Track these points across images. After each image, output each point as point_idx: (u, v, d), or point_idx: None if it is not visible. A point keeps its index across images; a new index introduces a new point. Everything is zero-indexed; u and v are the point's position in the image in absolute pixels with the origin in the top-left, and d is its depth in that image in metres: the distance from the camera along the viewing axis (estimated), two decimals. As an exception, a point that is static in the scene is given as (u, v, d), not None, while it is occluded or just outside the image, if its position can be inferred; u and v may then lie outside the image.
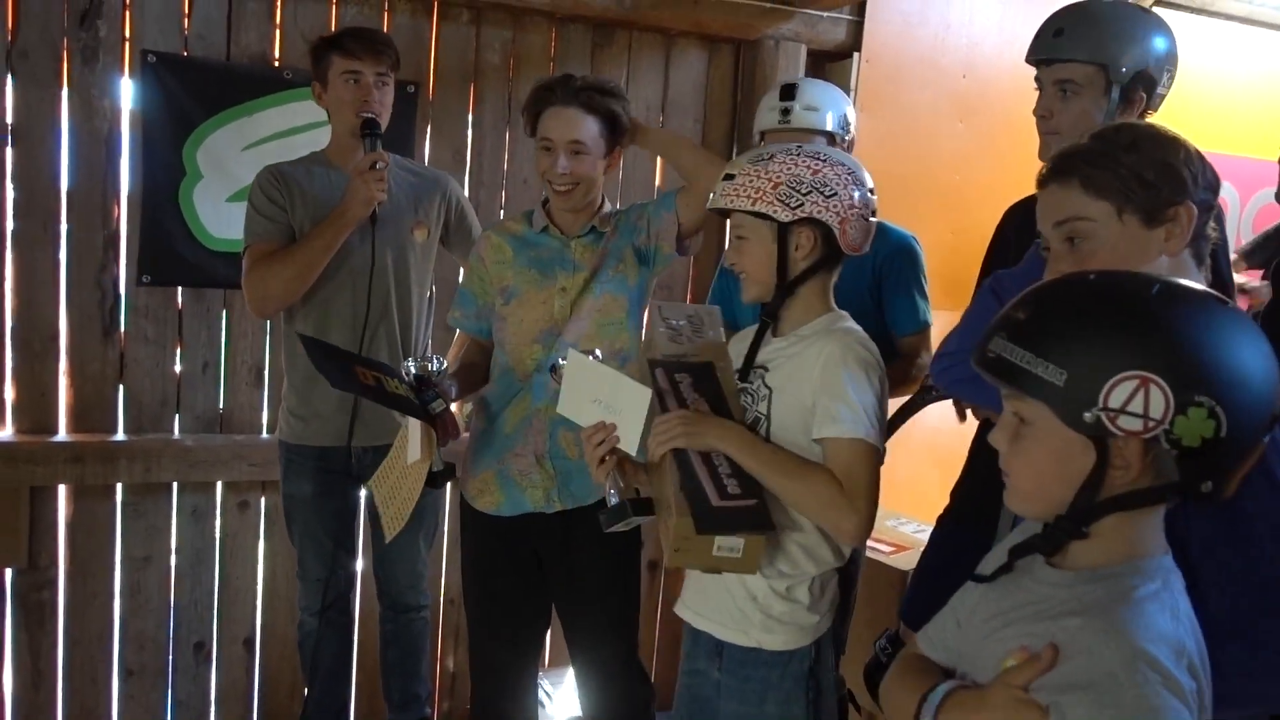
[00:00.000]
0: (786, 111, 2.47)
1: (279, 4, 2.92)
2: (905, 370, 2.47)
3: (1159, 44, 2.01)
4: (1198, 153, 1.37)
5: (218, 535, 3.07)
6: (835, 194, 1.72)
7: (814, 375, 1.71)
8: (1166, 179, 1.33)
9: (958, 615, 1.28)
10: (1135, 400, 1.01)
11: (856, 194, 1.74)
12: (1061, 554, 1.13)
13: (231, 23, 2.89)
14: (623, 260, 2.30)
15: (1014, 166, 2.27)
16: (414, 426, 2.21)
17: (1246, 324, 1.06)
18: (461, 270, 2.70)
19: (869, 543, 2.67)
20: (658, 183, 3.40)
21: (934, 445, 2.80)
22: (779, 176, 1.72)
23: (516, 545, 2.35)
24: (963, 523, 2.18)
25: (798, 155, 1.75)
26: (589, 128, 2.20)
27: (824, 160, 1.75)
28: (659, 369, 1.83)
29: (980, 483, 2.16)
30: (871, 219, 1.78)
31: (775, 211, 1.72)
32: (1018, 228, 2.17)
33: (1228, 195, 3.95)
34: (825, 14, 3.34)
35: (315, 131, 2.97)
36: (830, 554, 1.77)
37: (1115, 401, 1.02)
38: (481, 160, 3.18)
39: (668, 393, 1.79)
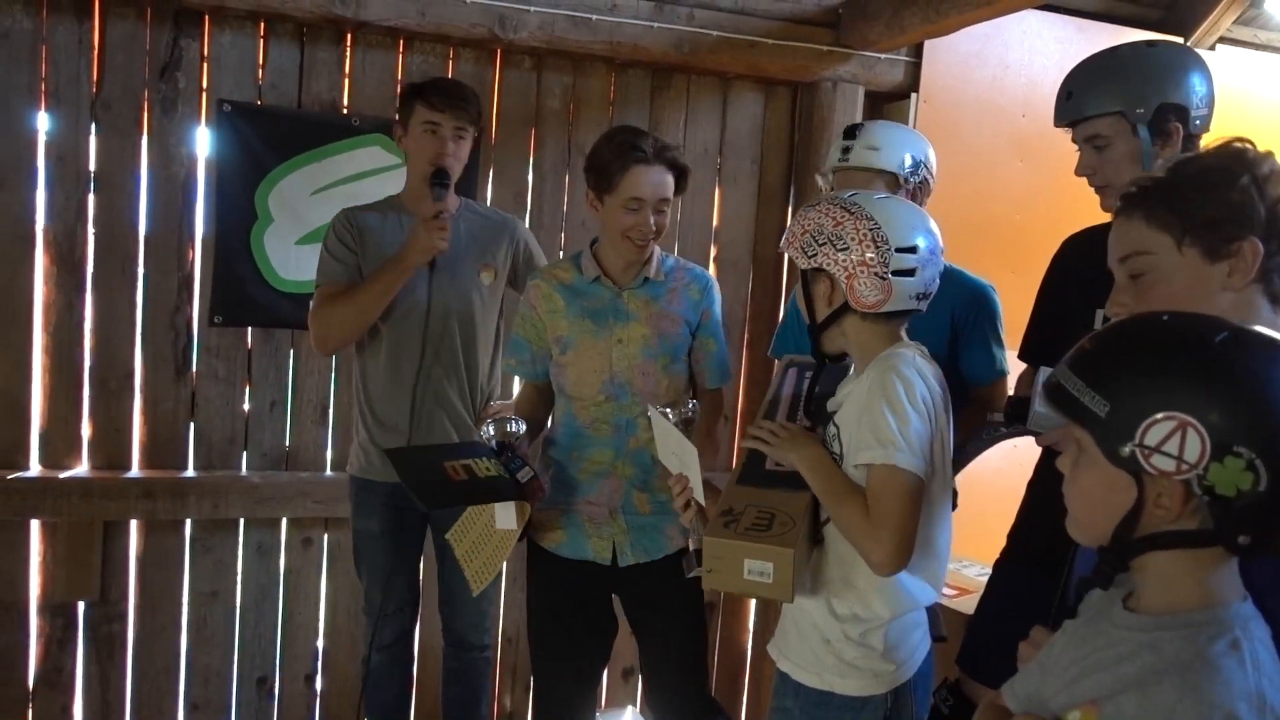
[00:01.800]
0: (847, 150, 2.47)
1: (349, 54, 3.02)
2: (981, 418, 2.43)
3: (1175, 72, 1.98)
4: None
5: (282, 571, 3.13)
6: (847, 248, 1.71)
7: (859, 407, 1.71)
8: (1228, 212, 1.29)
9: (1043, 662, 1.25)
10: (1171, 441, 1.01)
11: (872, 252, 1.70)
12: (1136, 598, 1.12)
13: (303, 72, 2.99)
14: (681, 337, 2.35)
15: (1075, 205, 2.24)
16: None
17: None
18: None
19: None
20: (715, 223, 3.43)
21: (997, 486, 2.76)
22: (809, 224, 1.76)
23: (586, 588, 2.37)
24: (1020, 565, 2.15)
25: (834, 204, 1.75)
26: (671, 186, 2.28)
27: (853, 212, 1.73)
28: (793, 368, 1.92)
29: (1037, 524, 2.13)
30: (894, 278, 1.71)
31: (797, 258, 1.78)
32: (1078, 258, 2.15)
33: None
34: (883, 56, 3.35)
35: (382, 176, 3.06)
36: (904, 597, 1.73)
37: (1151, 439, 1.02)
38: (542, 203, 3.23)
39: (785, 400, 1.88)
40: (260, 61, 2.95)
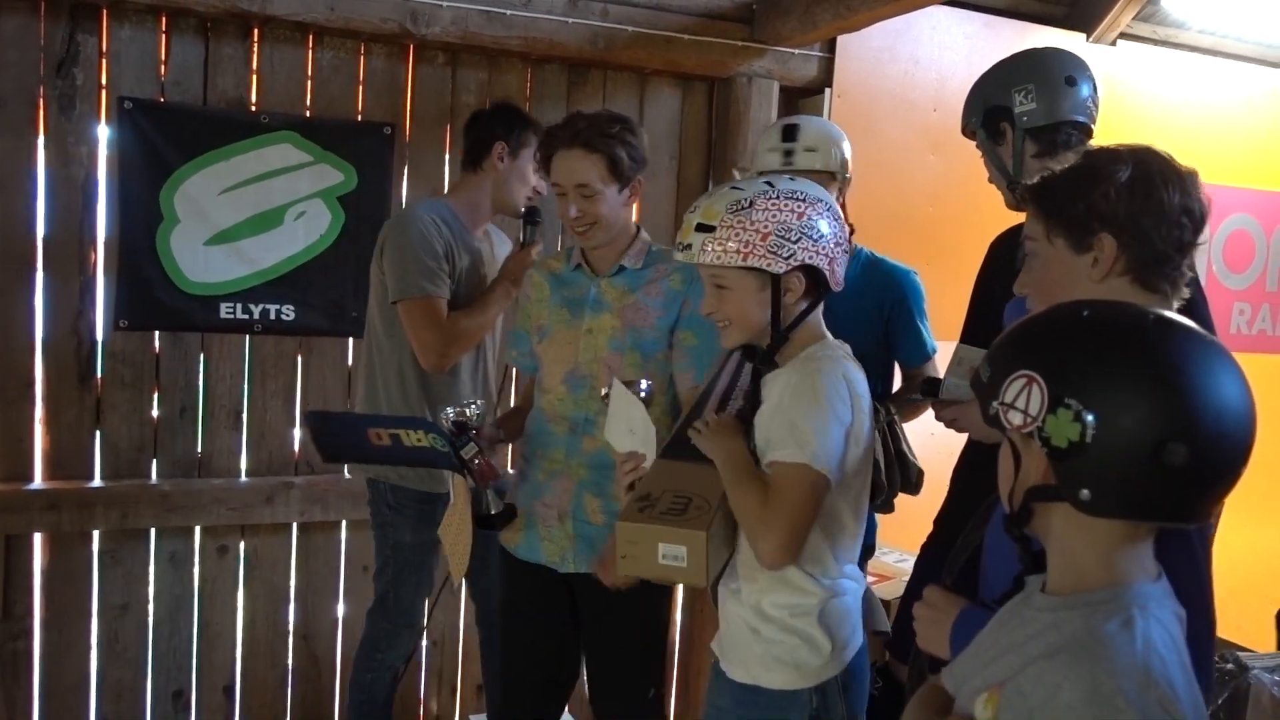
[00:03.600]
0: (789, 153, 2.45)
1: (255, 49, 2.94)
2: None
3: (999, 77, 2.18)
4: (1159, 186, 1.38)
5: (196, 581, 3.04)
6: (821, 235, 1.69)
7: (776, 404, 1.71)
8: (1088, 210, 1.39)
9: (975, 646, 1.27)
10: (1021, 396, 1.08)
11: (837, 228, 1.72)
12: (1049, 580, 1.15)
13: (208, 68, 2.90)
14: (655, 330, 2.22)
15: (985, 196, 2.30)
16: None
17: (1160, 347, 1.06)
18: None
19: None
20: (634, 219, 3.41)
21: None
22: (766, 226, 1.66)
23: (544, 590, 2.31)
24: (945, 550, 2.18)
25: (777, 198, 1.68)
26: (593, 169, 2.16)
27: (803, 199, 1.70)
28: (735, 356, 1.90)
29: (962, 510, 2.17)
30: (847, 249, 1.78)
31: (769, 265, 1.67)
32: (1002, 254, 2.24)
33: (1249, 226, 4.02)
34: (796, 51, 3.38)
35: (294, 174, 2.99)
36: (817, 583, 1.71)
37: (1009, 396, 1.10)
38: (459, 200, 3.19)
39: (717, 394, 1.87)
40: (162, 57, 2.86)
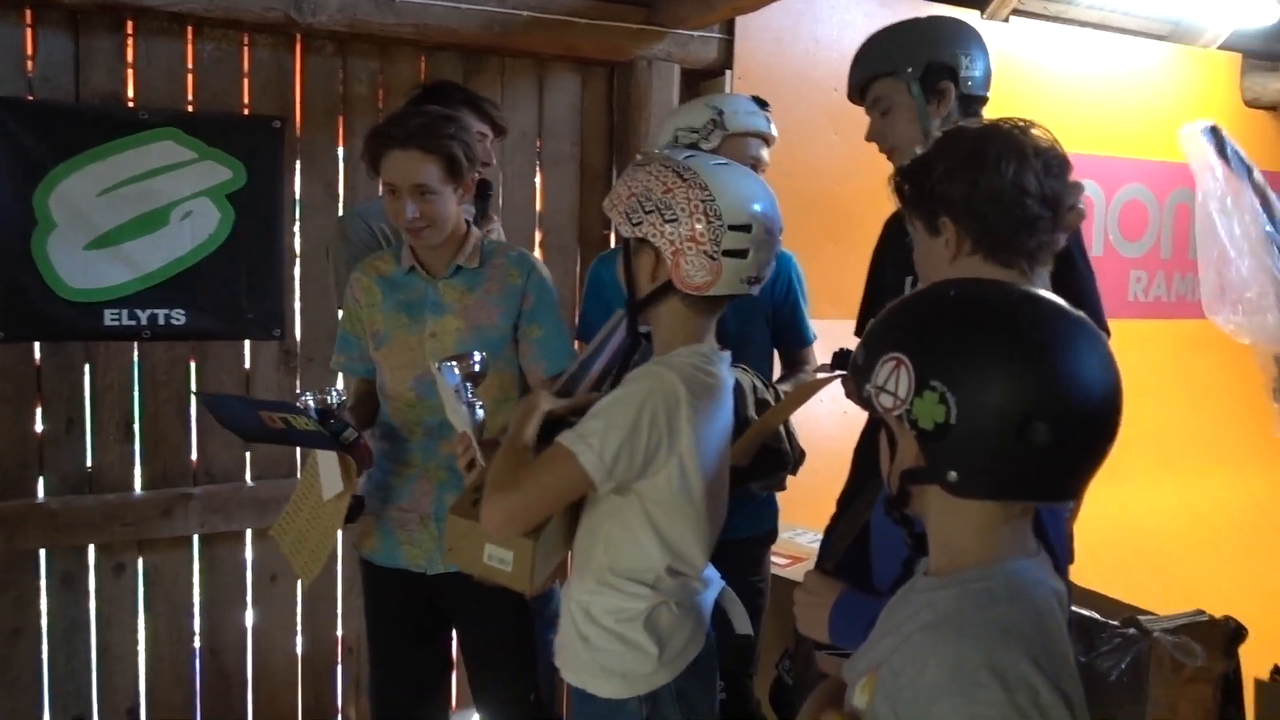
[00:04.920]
0: (770, 121, 2.42)
1: (130, 42, 2.80)
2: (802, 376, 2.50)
3: (944, 35, 2.10)
4: (992, 165, 1.39)
5: (92, 602, 2.90)
6: (676, 219, 1.56)
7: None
8: (927, 193, 1.43)
9: (871, 642, 1.26)
10: (891, 379, 1.07)
11: (702, 226, 1.55)
12: (932, 562, 1.15)
13: (79, 63, 2.76)
14: (498, 328, 2.20)
15: (889, 175, 2.30)
16: (325, 461, 2.12)
17: (1022, 326, 1.05)
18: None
19: (771, 556, 2.66)
20: (538, 206, 3.36)
21: (829, 454, 2.81)
22: (636, 186, 1.60)
23: (408, 596, 2.27)
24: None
25: (667, 166, 1.60)
26: (433, 169, 2.09)
27: (686, 179, 1.57)
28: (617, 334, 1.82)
29: (862, 488, 2.19)
30: (722, 257, 1.57)
31: (620, 224, 1.62)
32: (893, 234, 2.23)
33: (1092, 193, 4.10)
34: (696, 33, 3.35)
35: (178, 172, 2.86)
36: (643, 587, 1.63)
37: (880, 379, 1.09)
38: (355, 194, 3.09)
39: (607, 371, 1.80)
40: (29, 52, 2.70)
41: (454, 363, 1.82)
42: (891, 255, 2.17)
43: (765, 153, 2.42)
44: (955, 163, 1.41)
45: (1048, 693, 0.98)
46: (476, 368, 1.84)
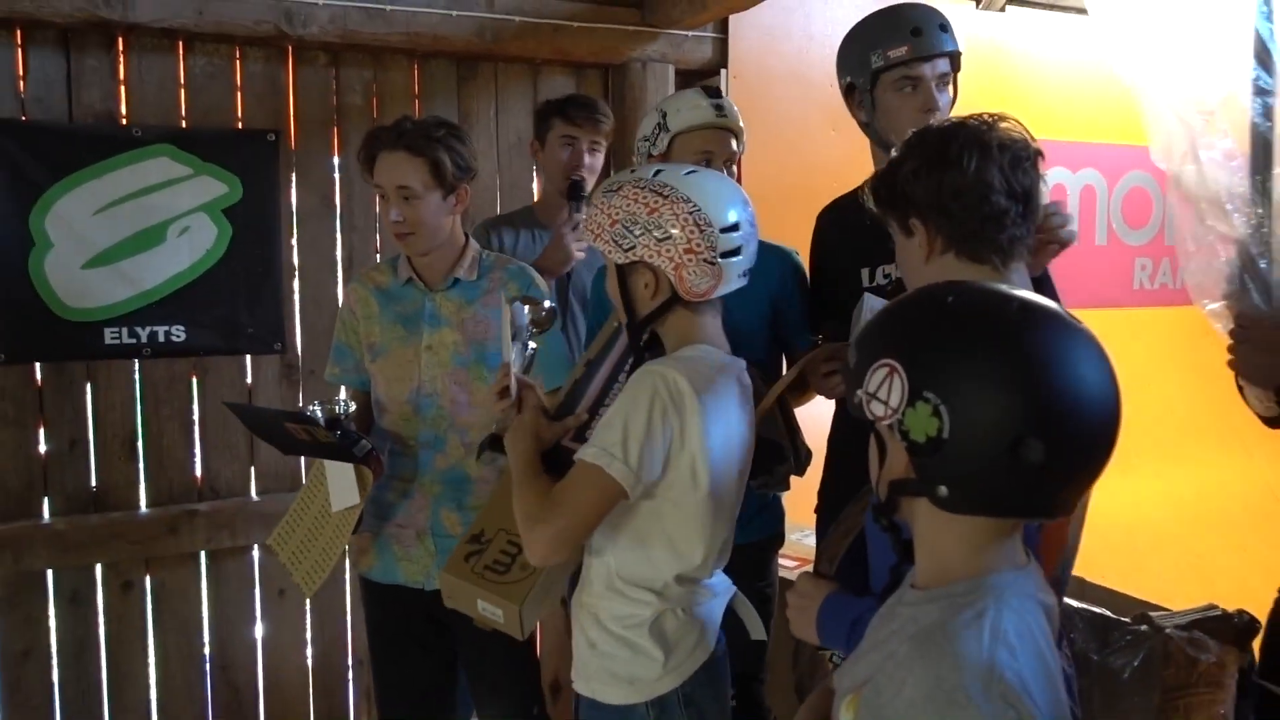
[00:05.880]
0: (720, 107, 2.28)
1: (122, 60, 2.80)
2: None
3: (844, 52, 2.18)
4: (954, 161, 1.38)
5: (101, 621, 2.90)
6: (669, 236, 1.59)
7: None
8: (899, 193, 1.43)
9: (861, 650, 1.24)
10: (883, 387, 1.04)
11: (698, 237, 1.59)
12: (919, 574, 1.12)
13: (72, 82, 2.75)
14: (496, 342, 2.15)
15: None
16: (335, 472, 2.12)
17: (1020, 339, 1.02)
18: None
19: (780, 559, 2.63)
20: (536, 199, 3.34)
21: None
22: (617, 213, 1.62)
23: (408, 612, 2.26)
24: (825, 527, 2.18)
25: (641, 188, 1.63)
26: (416, 171, 2.09)
27: (666, 195, 1.60)
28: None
29: (834, 481, 2.21)
30: (721, 260, 1.62)
31: (610, 252, 1.64)
32: (837, 225, 2.30)
33: (1094, 182, 4.07)
34: (689, 33, 3.34)
35: (174, 188, 2.86)
36: (649, 594, 1.65)
37: (872, 386, 1.05)
38: (351, 204, 3.09)
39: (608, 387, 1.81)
40: (20, 73, 2.70)
41: (526, 305, 1.84)
42: (841, 249, 2.22)
43: (732, 143, 2.29)
44: (920, 162, 1.41)
45: (1030, 712, 0.95)
46: (543, 313, 1.85)
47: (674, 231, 1.59)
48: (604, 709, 1.69)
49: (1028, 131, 1.44)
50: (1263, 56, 2.22)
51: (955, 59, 2.09)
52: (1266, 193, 2.24)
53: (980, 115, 1.44)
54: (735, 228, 1.63)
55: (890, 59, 2.09)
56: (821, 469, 2.34)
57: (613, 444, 1.56)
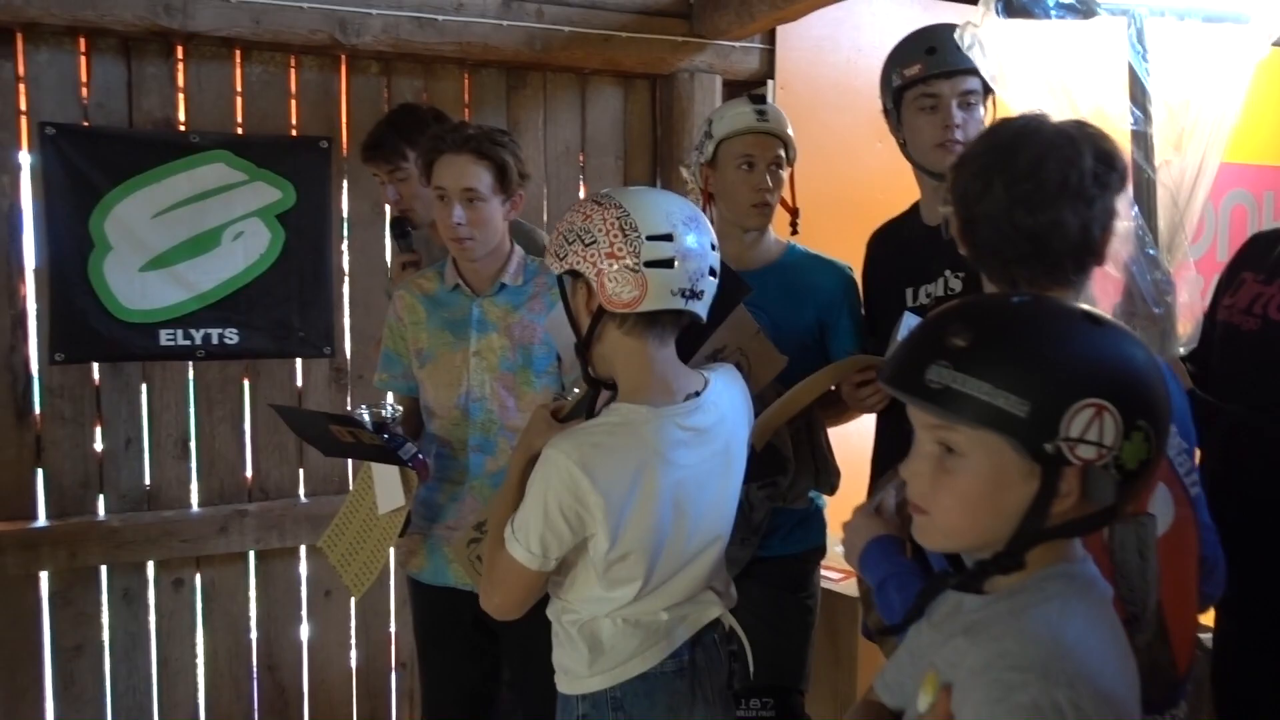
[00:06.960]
0: (763, 114, 2.27)
1: (180, 68, 2.86)
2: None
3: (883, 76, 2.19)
4: (996, 162, 1.41)
5: (152, 617, 2.96)
6: (595, 241, 1.56)
7: None
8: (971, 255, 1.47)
9: (911, 651, 1.24)
10: (1092, 429, 1.00)
11: (620, 241, 1.55)
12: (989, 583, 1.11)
13: (132, 89, 2.82)
14: (543, 346, 2.17)
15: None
16: (382, 475, 2.15)
17: (1134, 339, 1.08)
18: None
19: (822, 571, 2.61)
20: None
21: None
22: (562, 225, 1.63)
23: (457, 613, 2.26)
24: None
25: (585, 201, 1.64)
26: (482, 175, 2.12)
27: (601, 203, 1.60)
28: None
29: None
30: (646, 269, 1.55)
31: (551, 264, 1.65)
32: (883, 245, 2.36)
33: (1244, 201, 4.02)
34: (737, 44, 3.35)
35: (229, 194, 2.91)
36: (583, 603, 1.65)
37: (1075, 431, 1.00)
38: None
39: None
40: (83, 80, 2.77)
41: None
42: (886, 268, 2.25)
43: (777, 148, 2.27)
44: (958, 168, 1.47)
45: (1089, 691, 0.96)
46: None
47: (599, 236, 1.57)
48: (561, 696, 1.73)
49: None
50: (1137, 95, 2.28)
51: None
52: (1153, 230, 2.29)
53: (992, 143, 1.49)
54: (667, 237, 1.56)
55: (906, 77, 2.11)
56: (866, 485, 2.32)
57: (520, 526, 1.59)
